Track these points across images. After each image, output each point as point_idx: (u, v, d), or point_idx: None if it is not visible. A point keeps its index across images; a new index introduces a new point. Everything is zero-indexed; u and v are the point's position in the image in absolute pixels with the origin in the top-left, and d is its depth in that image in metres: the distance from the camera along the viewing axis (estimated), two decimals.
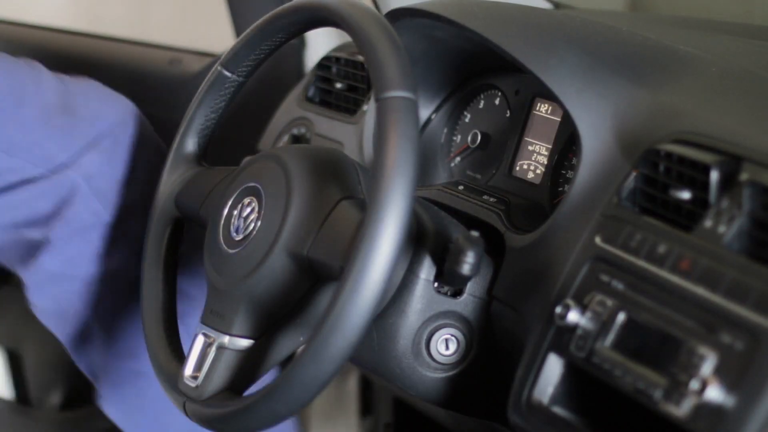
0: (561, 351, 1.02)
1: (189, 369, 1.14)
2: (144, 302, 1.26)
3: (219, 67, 1.25)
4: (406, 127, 0.98)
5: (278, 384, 1.00)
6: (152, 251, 1.27)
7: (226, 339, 1.11)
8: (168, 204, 1.27)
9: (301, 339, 1.12)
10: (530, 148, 1.31)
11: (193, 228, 1.29)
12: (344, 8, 1.08)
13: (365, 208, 0.99)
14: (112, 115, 1.50)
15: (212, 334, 1.12)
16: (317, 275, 1.09)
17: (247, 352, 1.11)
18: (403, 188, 0.96)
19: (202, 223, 1.22)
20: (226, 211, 1.16)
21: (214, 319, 1.13)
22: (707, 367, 0.88)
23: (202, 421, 1.12)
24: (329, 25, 1.13)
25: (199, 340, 1.14)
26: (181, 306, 1.29)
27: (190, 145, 1.27)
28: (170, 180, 1.27)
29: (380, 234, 0.95)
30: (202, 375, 1.11)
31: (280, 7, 1.19)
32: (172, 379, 1.17)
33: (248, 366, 1.11)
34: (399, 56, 1.02)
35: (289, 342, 1.12)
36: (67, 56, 2.13)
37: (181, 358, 1.19)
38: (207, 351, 1.12)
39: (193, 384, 1.12)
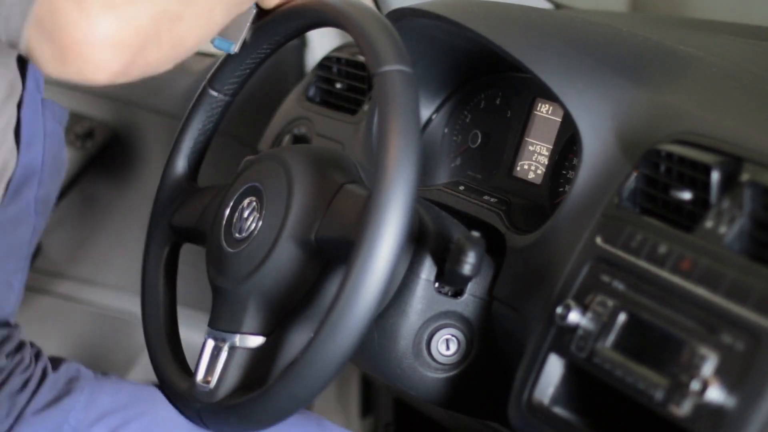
0: (562, 351, 1.02)
1: (200, 374, 1.12)
2: (146, 321, 1.25)
3: (206, 87, 1.25)
4: (406, 99, 0.98)
5: (294, 367, 0.99)
6: (151, 272, 1.26)
7: (236, 338, 1.10)
8: (163, 228, 1.26)
9: (313, 334, 1.11)
10: (531, 148, 1.31)
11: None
12: (327, 5, 1.08)
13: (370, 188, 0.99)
14: None
15: (222, 336, 1.11)
16: (326, 259, 1.08)
17: (259, 350, 1.10)
18: (409, 156, 0.96)
19: (200, 236, 1.21)
20: (227, 213, 1.16)
21: (223, 322, 1.12)
22: (708, 368, 0.88)
23: (219, 423, 1.10)
24: (321, 26, 1.13)
25: (209, 345, 1.12)
26: None
27: (180, 167, 1.27)
28: (163, 203, 1.27)
29: (391, 200, 0.95)
30: (214, 378, 1.10)
31: (263, 19, 1.18)
32: (182, 391, 1.15)
33: (261, 364, 1.10)
34: (389, 33, 1.03)
35: (301, 337, 1.10)
36: None
37: (187, 371, 1.18)
38: (218, 353, 1.11)
39: (206, 389, 1.11)
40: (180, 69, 2.15)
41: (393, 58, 1.01)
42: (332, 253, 1.07)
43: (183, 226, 1.24)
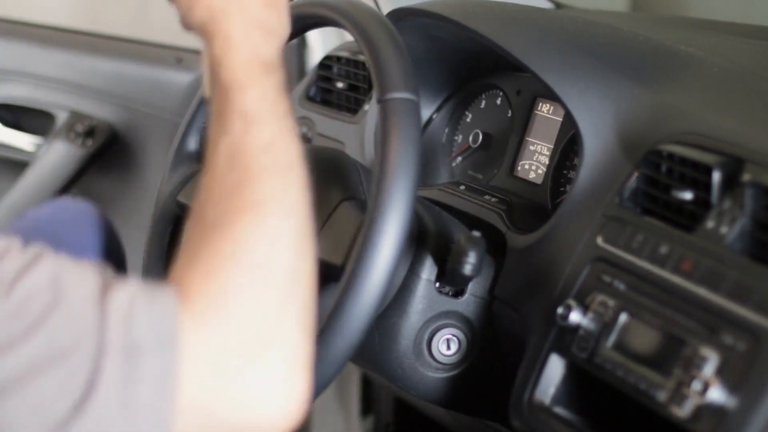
0: (563, 351, 1.02)
1: None
2: None
3: None
4: (408, 129, 0.98)
5: None
6: (154, 250, 1.27)
7: None
8: (169, 203, 1.26)
9: None
10: (532, 148, 1.31)
11: None
12: (346, 8, 1.08)
13: (366, 209, 0.99)
14: None
15: None
16: (318, 274, 1.09)
17: None
18: (405, 191, 0.96)
19: None
20: None
21: None
22: (709, 368, 0.88)
23: None
24: (332, 25, 1.13)
25: None
26: None
27: (192, 143, 1.27)
28: (172, 179, 1.27)
29: (381, 237, 0.95)
30: None
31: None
32: None
33: None
34: (401, 57, 1.02)
35: None
36: (71, 55, 2.13)
37: None
38: None
39: None
40: (180, 67, 2.15)
41: (400, 85, 1.01)
42: (324, 272, 1.07)
43: (189, 206, 1.24)
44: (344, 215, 1.07)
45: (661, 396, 0.91)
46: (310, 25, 1.18)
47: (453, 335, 1.16)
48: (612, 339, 0.97)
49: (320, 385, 0.99)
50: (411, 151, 0.98)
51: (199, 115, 1.27)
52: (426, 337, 1.16)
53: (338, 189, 1.10)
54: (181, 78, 2.05)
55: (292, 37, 1.21)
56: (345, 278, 0.96)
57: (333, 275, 1.04)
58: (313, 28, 1.21)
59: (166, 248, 1.27)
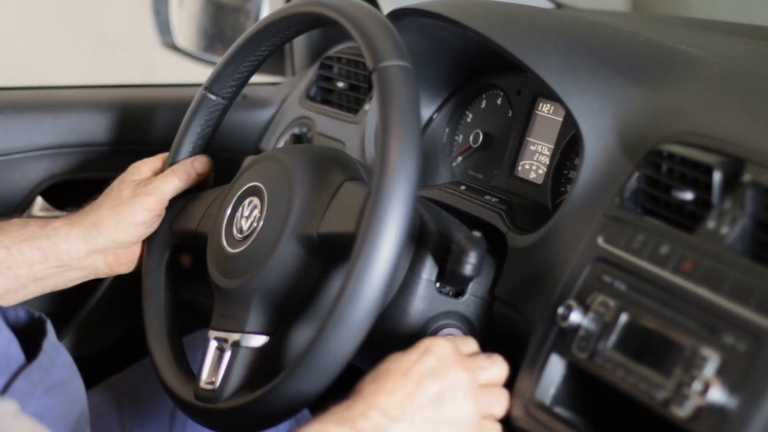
0: (563, 352, 1.02)
1: (204, 376, 1.12)
2: (148, 325, 1.25)
3: (203, 91, 1.26)
4: (406, 93, 0.99)
5: (299, 364, 0.99)
6: (152, 275, 1.26)
7: (240, 337, 1.09)
8: (164, 232, 1.27)
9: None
10: (532, 148, 1.31)
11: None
12: (323, 5, 1.09)
13: (371, 186, 0.99)
14: None
15: (225, 336, 1.11)
16: (329, 256, 1.08)
17: (263, 349, 1.09)
18: (410, 151, 0.96)
19: (201, 240, 1.21)
20: (228, 212, 1.16)
21: (226, 322, 1.12)
22: (710, 369, 0.88)
23: (224, 424, 1.10)
24: (318, 27, 1.14)
25: (212, 347, 1.12)
26: None
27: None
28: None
29: (393, 194, 0.95)
30: (218, 378, 1.10)
31: (256, 24, 1.20)
32: (185, 394, 1.15)
33: (265, 363, 1.09)
34: (387, 29, 1.04)
35: (305, 335, 1.11)
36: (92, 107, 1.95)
37: (189, 374, 1.18)
38: (221, 354, 1.11)
39: (210, 390, 1.10)
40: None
41: (391, 53, 1.01)
42: (335, 249, 1.07)
43: (184, 230, 1.24)
44: (349, 192, 1.07)
45: (662, 396, 0.91)
46: (293, 33, 1.19)
47: (453, 335, 1.16)
48: (612, 339, 0.97)
49: (325, 380, 0.98)
50: (411, 112, 0.98)
51: (185, 143, 1.27)
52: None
53: (340, 172, 1.10)
54: None
55: (288, 40, 1.22)
56: (360, 239, 0.96)
57: (345, 245, 1.02)
58: (295, 36, 1.22)
59: (163, 273, 1.26)
